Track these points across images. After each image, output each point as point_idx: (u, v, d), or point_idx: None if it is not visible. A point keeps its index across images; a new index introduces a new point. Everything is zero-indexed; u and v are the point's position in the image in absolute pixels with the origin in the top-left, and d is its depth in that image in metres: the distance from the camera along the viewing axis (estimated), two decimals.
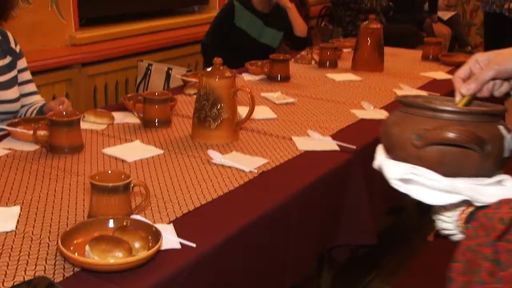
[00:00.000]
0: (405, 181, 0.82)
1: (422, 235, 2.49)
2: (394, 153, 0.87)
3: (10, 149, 1.69)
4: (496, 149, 0.81)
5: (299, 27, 3.34)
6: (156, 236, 1.13)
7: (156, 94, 1.96)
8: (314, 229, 1.60)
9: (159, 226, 1.19)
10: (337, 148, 1.76)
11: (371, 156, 1.87)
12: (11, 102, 1.97)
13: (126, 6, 3.67)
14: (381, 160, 0.88)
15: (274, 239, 1.43)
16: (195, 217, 1.32)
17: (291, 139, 1.83)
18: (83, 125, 1.85)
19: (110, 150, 1.70)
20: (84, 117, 1.92)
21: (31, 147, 1.70)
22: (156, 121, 1.92)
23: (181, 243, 1.18)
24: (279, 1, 3.29)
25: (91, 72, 3.17)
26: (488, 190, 0.79)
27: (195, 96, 2.24)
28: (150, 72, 3.27)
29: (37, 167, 1.57)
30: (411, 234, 2.85)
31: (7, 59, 2.01)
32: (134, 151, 1.70)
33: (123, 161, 1.63)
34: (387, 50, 2.92)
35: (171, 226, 1.25)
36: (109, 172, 1.29)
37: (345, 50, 3.14)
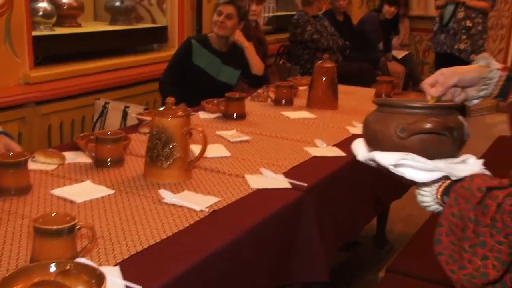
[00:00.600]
0: (397, 166, 0.99)
1: (376, 270, 2.51)
2: (380, 146, 1.04)
3: None
4: (460, 134, 1.03)
5: (256, 65, 3.39)
6: (100, 279, 1.10)
7: (109, 133, 1.95)
8: (266, 267, 1.59)
9: (105, 269, 1.17)
10: (289, 186, 1.78)
11: (323, 193, 1.89)
12: None
13: (84, 44, 3.67)
14: (371, 153, 1.04)
15: (225, 278, 1.42)
16: (143, 258, 1.30)
17: (244, 177, 1.83)
18: (33, 166, 1.82)
19: (58, 191, 1.67)
20: (33, 157, 1.89)
21: None
22: (108, 160, 1.90)
23: (126, 286, 1.16)
24: (236, 40, 3.34)
25: (45, 111, 3.13)
26: (460, 167, 0.99)
27: (148, 134, 2.25)
28: (107, 110, 3.25)
29: None
30: (365, 269, 2.87)
31: None
32: (84, 191, 1.67)
33: (71, 202, 1.60)
34: (341, 88, 2.99)
35: (117, 268, 1.23)
36: (54, 214, 1.26)
37: (301, 88, 3.19)
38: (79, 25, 3.80)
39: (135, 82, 3.79)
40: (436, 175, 0.98)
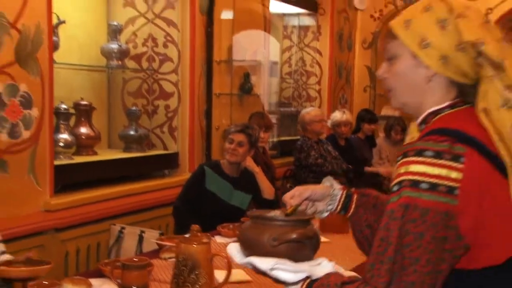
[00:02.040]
0: (272, 270, 1.20)
1: None
2: (255, 252, 1.26)
3: None
4: (316, 241, 1.31)
5: (267, 189, 3.52)
6: None
7: (135, 260, 2.02)
8: None
9: None
10: None
11: None
12: None
13: (100, 171, 3.82)
14: (248, 258, 1.25)
15: None
16: None
17: None
18: None
19: None
20: (61, 285, 1.95)
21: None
22: (134, 287, 1.96)
23: None
24: (247, 166, 3.50)
25: (64, 237, 3.21)
26: (318, 269, 1.23)
27: (170, 260, 2.33)
28: (123, 236, 3.33)
29: None
30: None
31: None
32: None
33: None
34: None
35: None
36: None
37: None
38: (95, 153, 3.98)
39: (148, 207, 3.90)
40: (302, 275, 1.21)
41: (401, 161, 1.14)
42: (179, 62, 4.34)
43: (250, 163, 3.52)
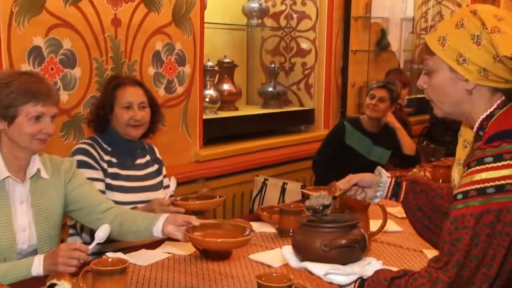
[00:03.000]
0: (326, 275, 1.29)
1: None
2: (306, 256, 1.35)
3: (169, 253, 1.90)
4: (364, 243, 1.37)
5: (408, 145, 3.51)
6: None
7: (292, 206, 2.15)
8: None
9: None
10: None
11: None
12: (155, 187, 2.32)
13: (241, 126, 4.01)
14: (303, 263, 1.35)
15: None
16: None
17: (422, 251, 1.93)
18: None
19: (255, 256, 1.88)
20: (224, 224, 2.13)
21: (186, 251, 1.91)
22: (290, 231, 2.09)
23: None
24: (388, 122, 3.50)
25: (212, 186, 3.45)
26: (368, 268, 1.32)
27: None
28: (266, 187, 3.50)
29: (196, 270, 1.76)
30: None
31: (155, 167, 2.38)
32: (278, 258, 1.86)
33: (269, 266, 1.80)
34: None
35: None
36: (274, 274, 1.46)
37: None
38: (237, 109, 4.18)
39: (285, 161, 4.05)
40: (354, 277, 1.29)
41: (466, 172, 1.21)
42: (316, 19, 4.38)
43: (391, 119, 3.51)
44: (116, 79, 2.35)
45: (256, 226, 2.20)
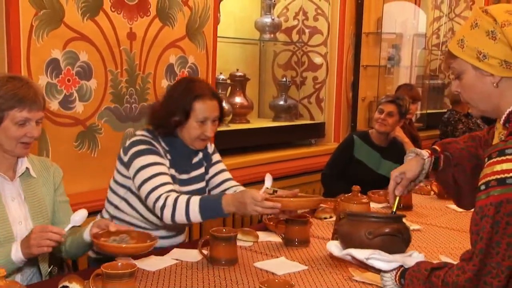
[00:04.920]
0: (368, 259, 1.37)
1: None
2: (352, 244, 1.43)
3: (177, 259, 1.97)
4: (407, 235, 1.46)
5: None
6: None
7: (297, 217, 2.20)
8: None
9: None
10: None
11: None
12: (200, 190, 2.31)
13: (252, 138, 4.08)
14: (347, 250, 1.42)
15: None
16: None
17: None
18: None
19: (260, 264, 1.93)
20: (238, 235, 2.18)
21: (194, 258, 1.97)
22: (296, 240, 2.15)
23: None
24: (396, 136, 3.54)
25: None
26: (410, 259, 1.38)
27: (325, 220, 2.49)
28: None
29: (202, 276, 1.82)
30: None
31: (202, 169, 2.38)
32: (281, 265, 1.92)
33: (273, 273, 1.85)
34: None
35: None
36: (276, 281, 1.51)
37: None
38: (248, 122, 4.25)
39: (295, 173, 4.10)
40: (395, 264, 1.37)
41: (487, 162, 1.25)
42: (328, 34, 4.46)
43: (399, 133, 3.56)
44: (195, 90, 2.19)
45: (263, 235, 2.26)
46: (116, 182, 2.26)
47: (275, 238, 2.23)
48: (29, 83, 1.86)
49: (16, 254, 1.72)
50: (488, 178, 1.23)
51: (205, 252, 1.95)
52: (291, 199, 2.02)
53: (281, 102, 4.45)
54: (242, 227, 2.89)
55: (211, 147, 2.44)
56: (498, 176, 1.21)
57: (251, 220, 3.64)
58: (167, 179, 2.10)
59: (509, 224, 1.19)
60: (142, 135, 2.20)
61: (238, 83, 4.17)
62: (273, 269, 1.88)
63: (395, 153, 3.55)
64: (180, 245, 2.16)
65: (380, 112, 3.48)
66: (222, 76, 3.91)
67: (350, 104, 4.69)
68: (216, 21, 3.44)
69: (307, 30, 4.52)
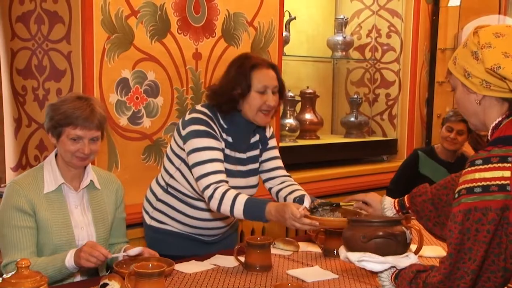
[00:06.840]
0: (359, 261, 1.47)
1: None
2: (350, 248, 1.52)
3: (215, 264, 2.09)
4: (403, 238, 1.51)
5: None
6: None
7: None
8: None
9: None
10: None
11: None
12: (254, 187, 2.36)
13: (322, 154, 4.15)
14: (346, 253, 1.51)
15: None
16: None
17: None
18: (273, 250, 2.21)
19: (293, 272, 2.02)
20: (274, 243, 2.28)
21: (231, 264, 2.08)
22: (335, 251, 2.20)
23: None
24: (464, 152, 3.47)
25: None
26: (403, 260, 1.46)
27: None
28: None
29: (234, 280, 1.93)
30: None
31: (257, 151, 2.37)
32: (313, 274, 1.99)
33: (303, 280, 1.92)
34: None
35: None
36: (289, 284, 1.60)
37: None
38: (318, 138, 4.32)
39: (367, 189, 4.10)
40: (386, 266, 1.45)
41: (462, 172, 1.34)
42: (401, 51, 4.44)
43: (467, 149, 3.49)
44: (250, 60, 2.21)
45: (304, 245, 2.34)
46: (172, 150, 2.29)
47: (316, 249, 2.30)
48: (90, 104, 2.02)
49: (70, 261, 1.91)
50: (461, 187, 1.30)
51: (241, 259, 2.06)
52: (330, 218, 2.06)
53: (352, 119, 4.48)
54: (287, 235, 2.97)
55: (269, 131, 2.42)
56: (468, 185, 1.28)
57: (296, 230, 3.68)
58: (219, 166, 2.12)
59: (479, 231, 1.22)
60: (202, 113, 2.21)
61: (308, 99, 4.26)
62: (304, 277, 1.95)
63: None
64: (221, 252, 2.27)
65: (449, 130, 3.41)
66: (290, 93, 4.02)
67: (424, 120, 4.62)
68: (282, 40, 3.57)
69: (380, 48, 4.54)
